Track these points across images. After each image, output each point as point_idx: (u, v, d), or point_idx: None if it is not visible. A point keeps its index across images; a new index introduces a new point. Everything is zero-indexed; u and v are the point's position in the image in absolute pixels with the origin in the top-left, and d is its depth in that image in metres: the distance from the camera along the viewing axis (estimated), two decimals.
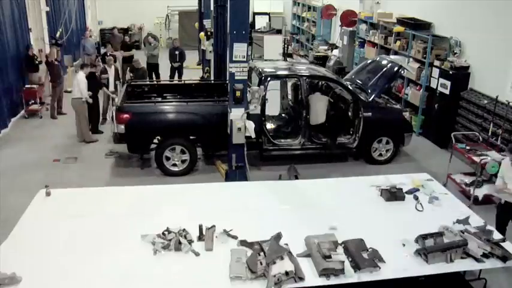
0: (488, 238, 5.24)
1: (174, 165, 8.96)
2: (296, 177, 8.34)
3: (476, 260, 4.95)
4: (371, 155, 9.69)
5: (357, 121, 9.42)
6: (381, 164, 9.62)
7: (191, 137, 9.04)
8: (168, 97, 10.33)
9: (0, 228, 5.68)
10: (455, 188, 8.45)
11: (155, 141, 9.12)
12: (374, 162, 9.67)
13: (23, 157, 9.60)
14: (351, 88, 9.65)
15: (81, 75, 10.42)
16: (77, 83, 10.31)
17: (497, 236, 5.38)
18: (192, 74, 15.59)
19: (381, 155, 9.76)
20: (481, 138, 9.08)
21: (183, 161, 8.96)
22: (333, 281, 4.53)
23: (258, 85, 8.83)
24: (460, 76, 10.30)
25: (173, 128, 8.88)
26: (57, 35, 14.48)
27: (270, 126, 9.88)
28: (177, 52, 15.01)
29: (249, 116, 7.86)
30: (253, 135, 7.96)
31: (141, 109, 8.91)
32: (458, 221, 5.47)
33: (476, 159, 8.12)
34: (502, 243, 5.21)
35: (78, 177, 8.80)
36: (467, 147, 8.68)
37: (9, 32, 11.60)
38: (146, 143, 9.00)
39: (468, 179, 8.52)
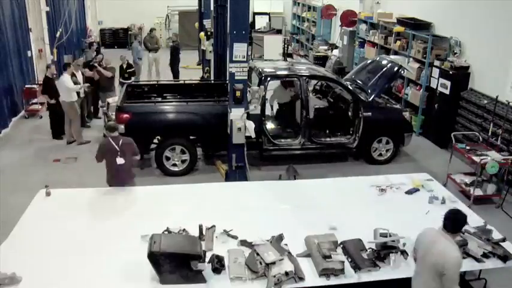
0: (488, 238, 5.25)
1: (174, 165, 8.95)
2: (295, 177, 8.35)
3: (477, 260, 4.96)
4: (371, 154, 9.69)
5: (357, 121, 9.43)
6: (381, 164, 9.61)
7: (191, 137, 9.05)
8: (168, 97, 10.33)
9: (0, 228, 5.68)
10: (455, 188, 8.46)
11: (155, 141, 9.13)
12: (374, 162, 9.66)
13: (23, 157, 9.60)
14: (350, 88, 9.65)
15: (65, 77, 10.05)
16: (64, 85, 9.97)
17: (497, 235, 5.40)
18: (192, 74, 15.59)
19: (380, 154, 9.76)
20: (481, 138, 9.07)
21: (183, 161, 8.95)
22: (333, 281, 4.54)
23: (258, 85, 8.84)
24: (460, 76, 10.29)
25: (173, 127, 8.88)
26: (57, 34, 14.47)
27: (270, 126, 9.87)
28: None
29: (249, 116, 7.87)
30: (253, 135, 7.96)
31: (141, 109, 8.92)
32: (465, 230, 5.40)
33: (476, 159, 8.12)
34: (501, 243, 5.22)
35: (78, 177, 8.78)
36: (467, 147, 8.67)
37: (10, 31, 11.60)
38: (146, 142, 9.00)
39: (468, 179, 8.52)
